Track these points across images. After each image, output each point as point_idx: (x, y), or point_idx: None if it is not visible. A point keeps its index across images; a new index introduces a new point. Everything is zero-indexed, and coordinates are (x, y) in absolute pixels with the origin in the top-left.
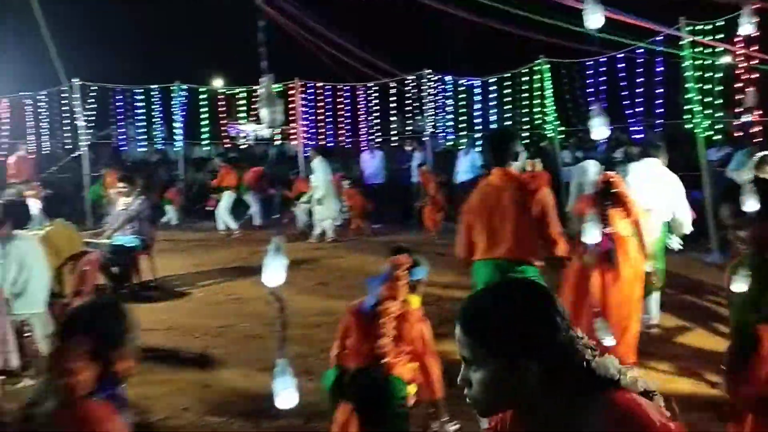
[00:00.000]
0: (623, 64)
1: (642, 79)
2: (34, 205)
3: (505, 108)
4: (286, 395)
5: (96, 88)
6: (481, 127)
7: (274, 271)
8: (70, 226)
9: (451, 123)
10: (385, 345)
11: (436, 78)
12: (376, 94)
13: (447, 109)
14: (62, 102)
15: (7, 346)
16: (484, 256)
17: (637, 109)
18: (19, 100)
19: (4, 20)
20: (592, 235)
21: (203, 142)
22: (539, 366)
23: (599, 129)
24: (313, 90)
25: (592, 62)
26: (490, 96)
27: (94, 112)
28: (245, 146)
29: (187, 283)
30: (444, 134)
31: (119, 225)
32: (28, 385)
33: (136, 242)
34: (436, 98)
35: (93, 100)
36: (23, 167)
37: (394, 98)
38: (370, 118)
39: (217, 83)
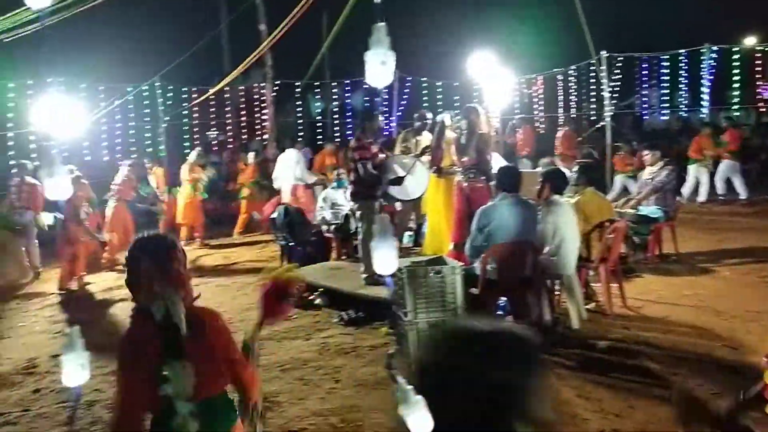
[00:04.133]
0: None
1: None
2: (569, 173)
3: None
4: None
5: (622, 58)
6: None
7: None
8: (599, 195)
9: None
10: None
11: None
12: None
13: None
14: (590, 75)
15: (542, 302)
16: None
17: None
18: (552, 77)
19: (551, 9)
20: None
21: (733, 107)
22: None
23: None
24: None
25: None
26: None
27: (619, 83)
28: None
29: (711, 260)
30: None
31: (644, 195)
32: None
33: (659, 213)
34: None
35: (618, 71)
36: (554, 141)
37: None
38: None
39: (749, 41)
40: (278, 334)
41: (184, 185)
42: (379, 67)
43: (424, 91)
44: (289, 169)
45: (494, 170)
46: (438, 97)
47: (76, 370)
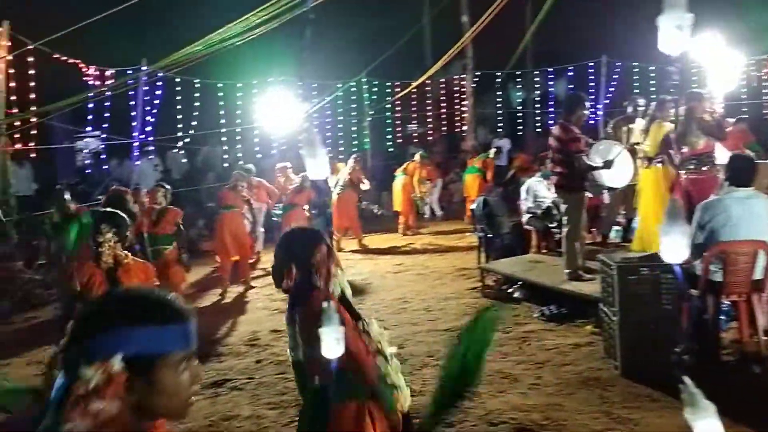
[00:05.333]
0: None
1: None
2: None
3: None
4: None
5: None
6: None
7: None
8: None
9: None
10: None
11: None
12: None
13: None
14: None
15: None
16: None
17: None
18: None
19: None
20: None
21: None
22: None
23: None
24: None
25: None
26: None
27: None
28: None
29: None
30: None
31: None
32: None
33: None
34: None
35: None
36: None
37: None
38: None
39: None
40: None
41: (403, 178)
42: (674, 31)
43: (635, 77)
44: None
45: (719, 160)
46: (651, 82)
47: (333, 343)
